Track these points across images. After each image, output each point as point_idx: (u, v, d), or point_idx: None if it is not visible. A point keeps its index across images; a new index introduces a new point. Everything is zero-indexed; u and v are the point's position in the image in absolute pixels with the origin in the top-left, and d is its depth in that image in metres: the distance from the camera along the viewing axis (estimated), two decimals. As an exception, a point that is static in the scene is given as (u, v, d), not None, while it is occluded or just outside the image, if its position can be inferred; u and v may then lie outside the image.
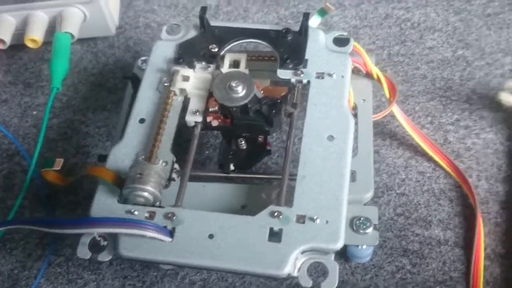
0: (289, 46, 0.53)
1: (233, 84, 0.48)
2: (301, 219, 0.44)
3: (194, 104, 0.51)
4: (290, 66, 0.52)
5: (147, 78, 0.53)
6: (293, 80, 0.51)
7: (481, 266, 0.51)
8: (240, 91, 0.49)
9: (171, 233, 0.44)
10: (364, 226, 0.46)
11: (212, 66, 0.52)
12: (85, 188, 0.57)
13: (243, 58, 0.54)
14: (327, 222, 0.44)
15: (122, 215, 0.45)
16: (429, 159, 0.57)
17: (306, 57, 0.52)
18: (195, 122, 0.50)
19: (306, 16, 0.53)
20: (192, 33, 0.55)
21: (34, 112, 0.64)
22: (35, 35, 0.62)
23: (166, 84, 0.52)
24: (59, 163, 0.50)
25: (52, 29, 0.64)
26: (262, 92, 0.51)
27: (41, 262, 0.54)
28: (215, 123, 0.50)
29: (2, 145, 0.62)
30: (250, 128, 0.50)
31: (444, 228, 0.53)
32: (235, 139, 0.52)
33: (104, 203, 0.46)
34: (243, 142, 0.52)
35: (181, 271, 0.52)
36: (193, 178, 0.49)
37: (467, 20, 0.67)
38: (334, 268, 0.43)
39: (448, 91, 0.62)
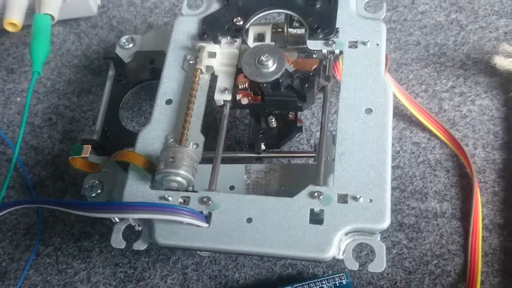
0: (318, 14, 0.50)
1: (263, 59, 0.46)
2: (342, 198, 0.42)
3: (222, 81, 0.49)
4: (321, 36, 0.49)
5: (170, 56, 0.51)
6: (324, 50, 0.49)
7: (479, 238, 0.49)
8: (271, 65, 0.47)
9: (207, 219, 0.43)
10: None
11: (238, 41, 0.50)
12: (72, 174, 0.56)
13: (268, 30, 0.52)
14: (371, 200, 0.42)
15: (155, 201, 0.44)
16: (424, 129, 0.55)
17: (337, 25, 0.50)
18: (224, 101, 0.48)
19: None
20: (215, 7, 0.53)
21: (18, 99, 0.63)
22: (14, 19, 0.60)
23: (191, 61, 0.50)
24: (86, 150, 0.48)
25: (32, 11, 0.62)
26: (292, 65, 0.48)
27: (29, 253, 0.53)
28: (245, 101, 0.48)
29: (-14, 134, 0.61)
30: (282, 105, 0.48)
31: (441, 200, 0.52)
32: (265, 117, 0.50)
33: (136, 189, 0.45)
34: (273, 120, 0.50)
35: (173, 256, 0.51)
36: (223, 160, 0.47)
37: (460, -18, 0.65)
38: (381, 249, 0.41)
39: (442, 57, 0.60)
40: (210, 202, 0.43)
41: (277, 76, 0.46)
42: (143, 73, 0.55)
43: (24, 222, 0.54)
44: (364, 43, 0.49)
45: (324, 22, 0.50)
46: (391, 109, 0.46)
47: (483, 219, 0.50)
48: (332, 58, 0.49)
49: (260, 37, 0.53)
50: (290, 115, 0.50)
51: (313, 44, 0.49)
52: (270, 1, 0.52)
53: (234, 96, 0.48)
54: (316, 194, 0.42)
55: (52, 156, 0.58)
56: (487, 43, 0.60)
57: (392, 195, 0.52)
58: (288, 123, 0.50)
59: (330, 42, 0.49)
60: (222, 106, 0.48)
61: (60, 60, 0.65)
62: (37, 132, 0.60)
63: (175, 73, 0.50)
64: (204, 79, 0.49)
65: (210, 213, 0.43)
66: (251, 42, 0.52)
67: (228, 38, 0.50)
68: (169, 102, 0.49)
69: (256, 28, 0.53)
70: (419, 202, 0.52)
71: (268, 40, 0.52)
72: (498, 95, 0.57)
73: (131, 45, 0.57)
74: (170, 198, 0.44)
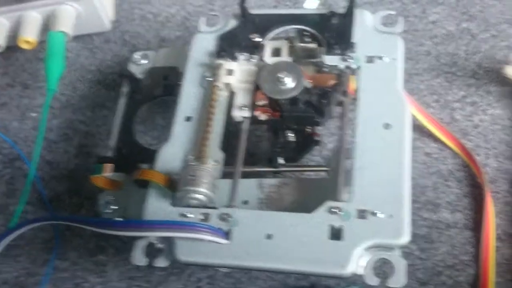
0: (334, 30, 0.51)
1: (281, 76, 0.47)
2: (362, 214, 0.42)
3: (241, 98, 0.49)
4: (338, 51, 0.50)
5: (188, 73, 0.52)
6: (341, 66, 0.49)
7: (492, 248, 0.49)
8: (289, 82, 0.47)
9: (227, 235, 0.43)
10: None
11: (256, 57, 0.51)
12: (88, 189, 0.57)
13: (284, 46, 0.52)
14: (390, 216, 0.42)
15: (176, 218, 0.44)
16: (436, 139, 0.55)
17: (354, 40, 0.50)
18: (243, 117, 0.49)
19: None
20: (232, 23, 0.54)
21: (34, 114, 0.63)
22: (29, 37, 0.61)
23: (209, 79, 0.51)
24: (107, 168, 0.50)
25: (47, 27, 0.63)
26: (309, 80, 0.49)
27: (46, 268, 0.53)
28: (263, 117, 0.49)
29: (3, 150, 0.61)
30: (300, 120, 0.48)
31: (453, 211, 0.52)
32: (283, 132, 0.50)
33: (156, 207, 0.45)
34: (291, 134, 0.50)
35: (187, 269, 0.52)
36: (243, 175, 0.47)
37: (470, -9, 0.65)
38: (401, 264, 0.41)
39: (454, 67, 0.60)
40: (230, 218, 0.43)
41: (296, 93, 0.47)
42: (157, 89, 0.55)
43: (41, 236, 0.55)
44: (380, 58, 0.49)
45: (340, 37, 0.50)
46: (410, 125, 0.46)
47: (496, 229, 0.50)
48: (349, 73, 0.49)
49: (276, 52, 0.53)
50: (308, 129, 0.50)
51: (330, 60, 0.50)
52: (286, 17, 0.53)
53: (252, 113, 0.48)
54: (335, 210, 0.43)
55: (68, 171, 0.59)
56: (499, 52, 0.60)
57: (404, 206, 0.52)
58: (306, 137, 0.50)
59: (347, 57, 0.49)
60: (240, 122, 0.49)
61: (74, 75, 0.66)
62: (52, 147, 0.61)
63: (194, 90, 0.51)
64: (222, 96, 0.50)
65: (230, 230, 0.43)
66: (267, 58, 0.52)
67: (246, 54, 0.51)
68: (188, 119, 0.49)
69: (273, 43, 0.53)
70: (431, 212, 0.52)
71: (285, 54, 0.52)
72: (510, 104, 0.57)
73: (144, 61, 0.57)
74: (190, 215, 0.44)
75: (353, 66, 0.49)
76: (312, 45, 0.52)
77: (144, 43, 0.67)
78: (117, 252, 0.53)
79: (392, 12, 0.52)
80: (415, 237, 0.51)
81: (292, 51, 0.53)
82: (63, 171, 0.59)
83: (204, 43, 0.53)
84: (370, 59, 0.49)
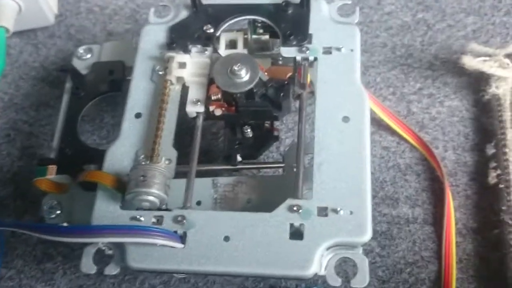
0: (290, 20, 0.49)
1: (236, 68, 0.45)
2: (323, 211, 0.41)
3: (194, 93, 0.47)
4: (294, 42, 0.48)
5: (138, 67, 0.49)
6: (298, 57, 0.48)
7: (453, 243, 0.48)
8: (244, 75, 0.45)
9: (182, 238, 0.41)
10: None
11: (209, 49, 0.49)
12: (32, 193, 0.54)
13: (240, 37, 0.50)
14: (351, 212, 0.41)
15: (126, 222, 0.42)
16: (393, 133, 0.54)
17: (310, 31, 0.49)
18: (197, 113, 0.47)
19: None
20: (183, 14, 0.51)
21: (-27, 115, 0.60)
22: (-35, 32, 0.57)
23: (160, 72, 0.48)
24: (51, 170, 0.47)
25: (-15, 23, 0.59)
26: (266, 74, 0.47)
27: (-10, 277, 0.51)
28: (218, 112, 0.47)
29: None
30: (257, 115, 0.47)
31: (412, 205, 0.51)
32: (240, 128, 0.48)
33: (105, 210, 0.43)
34: (248, 130, 0.48)
35: (140, 275, 0.49)
36: (197, 174, 0.45)
37: (426, -20, 0.64)
38: (363, 263, 0.40)
39: (410, 59, 0.59)
40: (185, 221, 0.41)
41: (251, 86, 0.45)
42: (102, 85, 0.53)
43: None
44: (338, 49, 0.48)
45: (296, 28, 0.49)
46: (368, 117, 0.45)
47: (456, 224, 0.49)
48: (306, 65, 0.48)
49: (232, 44, 0.51)
50: (266, 124, 0.49)
51: (286, 51, 0.48)
52: (241, 7, 0.51)
53: (207, 108, 0.46)
54: (295, 208, 0.41)
55: (12, 174, 0.56)
56: (455, 42, 0.59)
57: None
58: (264, 133, 0.48)
59: (303, 48, 0.48)
60: (194, 118, 0.47)
61: (17, 73, 0.62)
62: (-6, 149, 0.57)
63: (144, 84, 0.48)
64: (174, 90, 0.48)
65: (185, 233, 0.41)
66: (222, 50, 0.50)
67: (199, 46, 0.49)
68: (138, 115, 0.47)
69: (228, 35, 0.51)
70: (391, 208, 0.51)
71: (240, 47, 0.50)
72: (467, 95, 0.56)
73: (89, 55, 0.55)
74: (142, 218, 0.42)
75: (310, 57, 0.48)
76: (265, 37, 0.51)
77: (91, 37, 0.64)
78: (65, 260, 0.51)
79: (348, 2, 0.50)
80: (375, 233, 0.50)
81: (247, 43, 0.51)
82: (6, 174, 0.56)
83: (154, 35, 0.51)
84: (327, 50, 0.48)
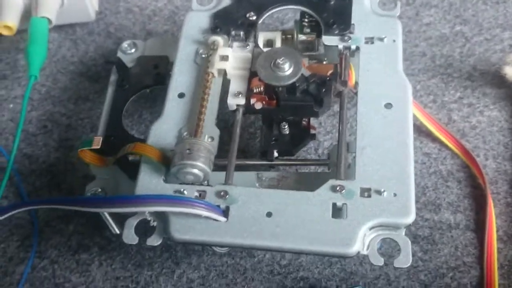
0: (332, 10, 0.50)
1: (280, 62, 0.45)
2: (366, 192, 0.41)
3: (236, 85, 0.47)
4: (336, 31, 0.49)
5: (181, 50, 0.50)
6: (340, 46, 0.48)
7: (494, 249, 0.48)
8: (287, 68, 0.45)
9: (224, 213, 0.41)
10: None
11: (251, 44, 0.49)
12: (68, 184, 0.54)
13: (277, 37, 0.51)
14: (395, 194, 0.41)
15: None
16: (434, 139, 0.54)
17: (352, 21, 0.49)
18: (237, 106, 0.47)
19: None
20: (226, 2, 0.52)
21: (11, 105, 0.60)
22: (10, 21, 0.57)
23: (203, 55, 0.49)
24: (98, 141, 0.46)
25: (27, 14, 0.59)
26: (307, 70, 0.47)
27: (24, 266, 0.50)
28: (259, 105, 0.46)
29: (-22, 142, 0.58)
30: (297, 110, 0.47)
31: (454, 211, 0.50)
32: (277, 124, 0.48)
33: (149, 183, 0.43)
34: (286, 127, 0.48)
35: (178, 269, 0.49)
36: (236, 168, 0.45)
37: (463, -5, 0.65)
38: (406, 244, 0.40)
39: (449, 68, 0.59)
40: (227, 196, 0.41)
41: (294, 79, 0.45)
42: (147, 78, 0.53)
43: (18, 233, 0.52)
44: (380, 39, 0.48)
45: (339, 18, 0.49)
46: (411, 104, 0.45)
47: (497, 231, 0.49)
48: (348, 54, 0.48)
49: (269, 44, 0.51)
50: (304, 122, 0.48)
51: (328, 40, 0.48)
52: None
53: (247, 101, 0.46)
54: (338, 188, 0.41)
55: (48, 165, 0.55)
56: (493, 55, 0.60)
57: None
58: (301, 130, 0.48)
59: (346, 37, 0.48)
60: (234, 111, 0.47)
61: (55, 66, 0.62)
62: (31, 140, 0.57)
63: (187, 66, 0.49)
64: (216, 82, 0.48)
65: (227, 207, 0.41)
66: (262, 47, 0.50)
67: (241, 39, 0.49)
68: (181, 95, 0.47)
69: (266, 34, 0.52)
70: (433, 213, 0.50)
71: (278, 46, 0.51)
72: (506, 106, 0.56)
73: (133, 50, 0.55)
74: (185, 192, 0.42)
75: (352, 46, 0.48)
76: (311, 37, 0.51)
77: (130, 36, 0.64)
78: (101, 251, 0.50)
79: None
80: (417, 238, 0.49)
81: (290, 43, 0.52)
82: (42, 165, 0.55)
83: (197, 20, 0.52)
84: (369, 40, 0.48)
